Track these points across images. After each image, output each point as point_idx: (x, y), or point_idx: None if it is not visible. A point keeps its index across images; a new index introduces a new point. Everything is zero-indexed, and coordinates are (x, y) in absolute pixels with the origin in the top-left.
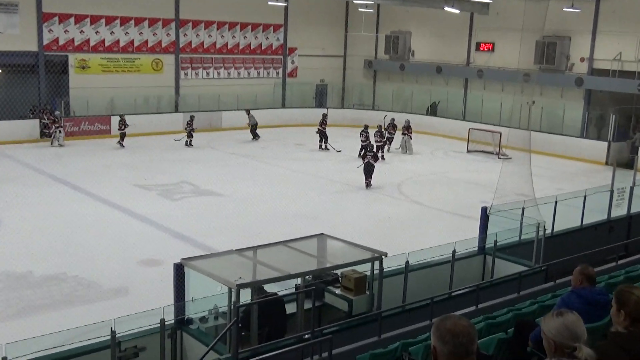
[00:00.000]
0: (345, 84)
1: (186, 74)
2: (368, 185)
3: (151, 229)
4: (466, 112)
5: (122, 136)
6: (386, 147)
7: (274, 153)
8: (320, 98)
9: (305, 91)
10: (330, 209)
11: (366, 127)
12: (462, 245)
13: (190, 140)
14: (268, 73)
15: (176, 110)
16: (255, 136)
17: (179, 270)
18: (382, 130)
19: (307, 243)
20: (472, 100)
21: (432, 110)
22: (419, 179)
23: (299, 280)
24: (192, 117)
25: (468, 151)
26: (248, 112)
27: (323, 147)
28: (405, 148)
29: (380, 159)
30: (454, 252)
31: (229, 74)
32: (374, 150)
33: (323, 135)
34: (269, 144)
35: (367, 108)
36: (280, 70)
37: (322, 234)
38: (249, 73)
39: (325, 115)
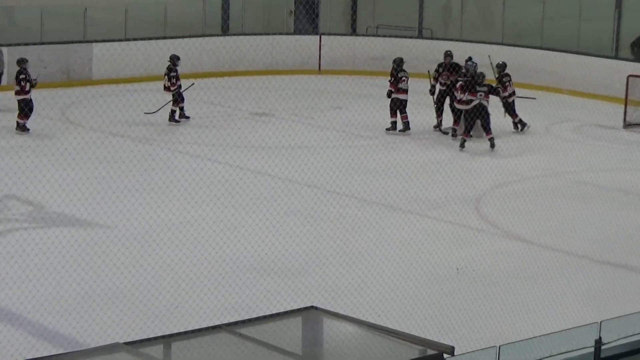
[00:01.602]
0: None
1: None
2: (521, 125)
3: None
4: (619, 42)
5: (26, 109)
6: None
7: (207, 134)
8: (304, 15)
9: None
10: (329, 253)
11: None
12: (618, 327)
13: (182, 109)
14: None
15: None
16: None
17: None
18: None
19: (281, 327)
20: (634, 16)
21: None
22: (519, 188)
23: None
24: (174, 60)
25: (626, 125)
26: None
27: (452, 132)
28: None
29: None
30: (598, 342)
31: None
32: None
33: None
34: (195, 112)
35: (406, 34)
36: None
37: (312, 307)
38: None
39: (449, 58)
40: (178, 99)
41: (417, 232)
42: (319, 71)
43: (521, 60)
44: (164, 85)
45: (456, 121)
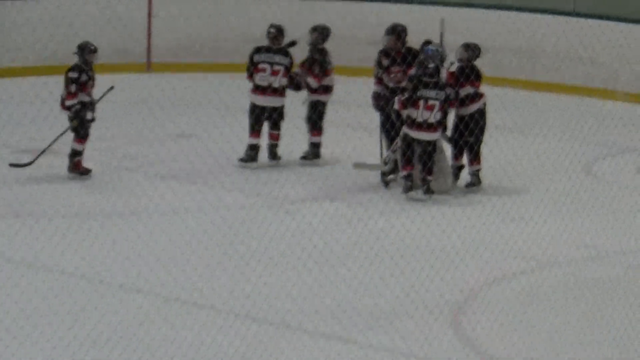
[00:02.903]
0: None
1: None
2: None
3: None
4: None
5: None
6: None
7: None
8: None
9: None
10: None
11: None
12: None
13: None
14: None
15: None
16: None
17: None
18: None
19: None
20: None
21: None
22: (538, 285)
23: None
24: (83, 52)
25: None
26: None
27: (405, 184)
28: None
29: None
30: None
31: None
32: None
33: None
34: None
35: None
36: None
37: None
38: None
39: (399, 39)
40: (79, 128)
41: None
42: (148, 66)
43: (531, 39)
44: (61, 98)
45: (407, 161)
